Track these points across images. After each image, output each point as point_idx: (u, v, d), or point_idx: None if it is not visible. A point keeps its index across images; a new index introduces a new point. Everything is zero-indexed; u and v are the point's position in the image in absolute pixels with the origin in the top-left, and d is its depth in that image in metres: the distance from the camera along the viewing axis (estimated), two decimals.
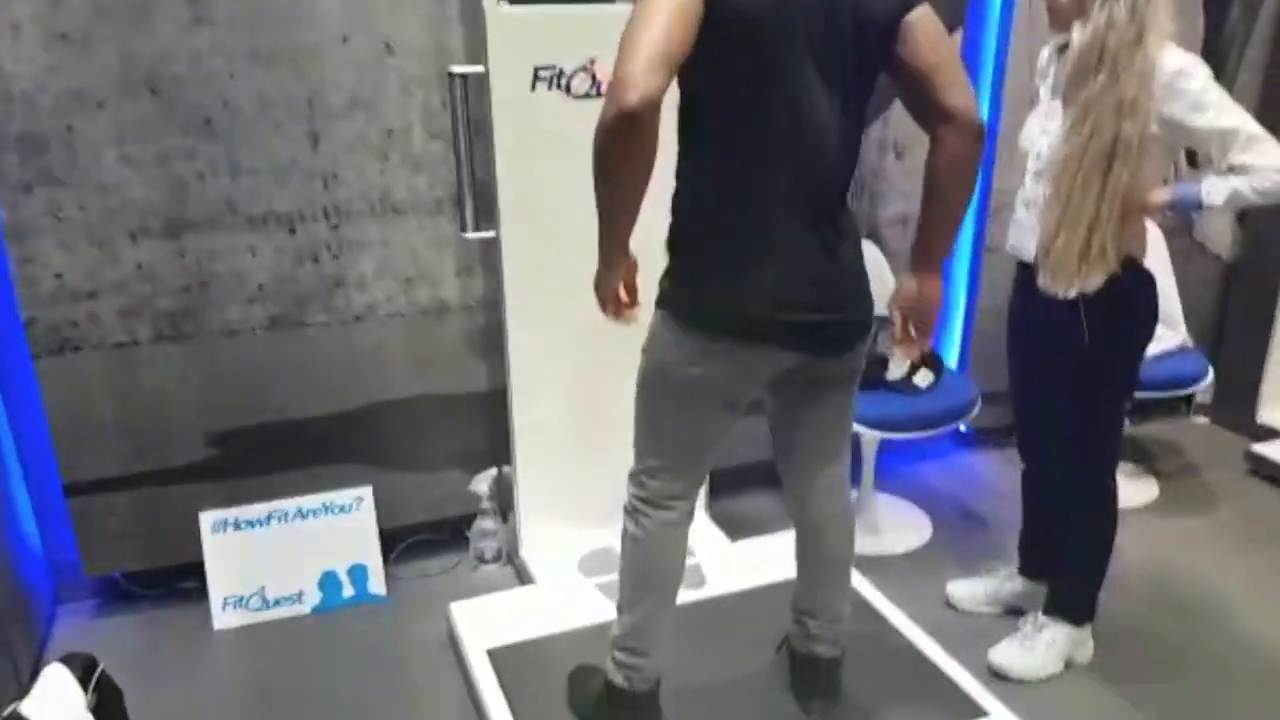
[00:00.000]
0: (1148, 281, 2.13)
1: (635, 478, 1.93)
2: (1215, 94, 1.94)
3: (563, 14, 2.30)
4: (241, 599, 2.62)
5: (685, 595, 2.41)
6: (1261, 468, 3.30)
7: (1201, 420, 3.74)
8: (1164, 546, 2.91)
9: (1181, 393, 3.13)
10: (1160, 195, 2.04)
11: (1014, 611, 2.53)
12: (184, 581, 2.67)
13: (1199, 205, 2.02)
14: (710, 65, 1.56)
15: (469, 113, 2.36)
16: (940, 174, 1.69)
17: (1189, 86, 1.93)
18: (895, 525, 3.03)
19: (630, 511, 1.94)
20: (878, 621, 2.43)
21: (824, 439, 1.96)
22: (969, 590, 2.62)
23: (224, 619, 2.60)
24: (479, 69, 2.32)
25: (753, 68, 1.58)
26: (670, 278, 1.77)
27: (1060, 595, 2.39)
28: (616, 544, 2.70)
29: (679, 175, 1.72)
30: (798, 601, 2.12)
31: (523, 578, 2.73)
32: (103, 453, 2.51)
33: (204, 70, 2.32)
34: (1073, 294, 2.04)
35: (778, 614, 2.27)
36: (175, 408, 2.54)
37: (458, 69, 2.33)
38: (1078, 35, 1.97)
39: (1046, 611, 2.39)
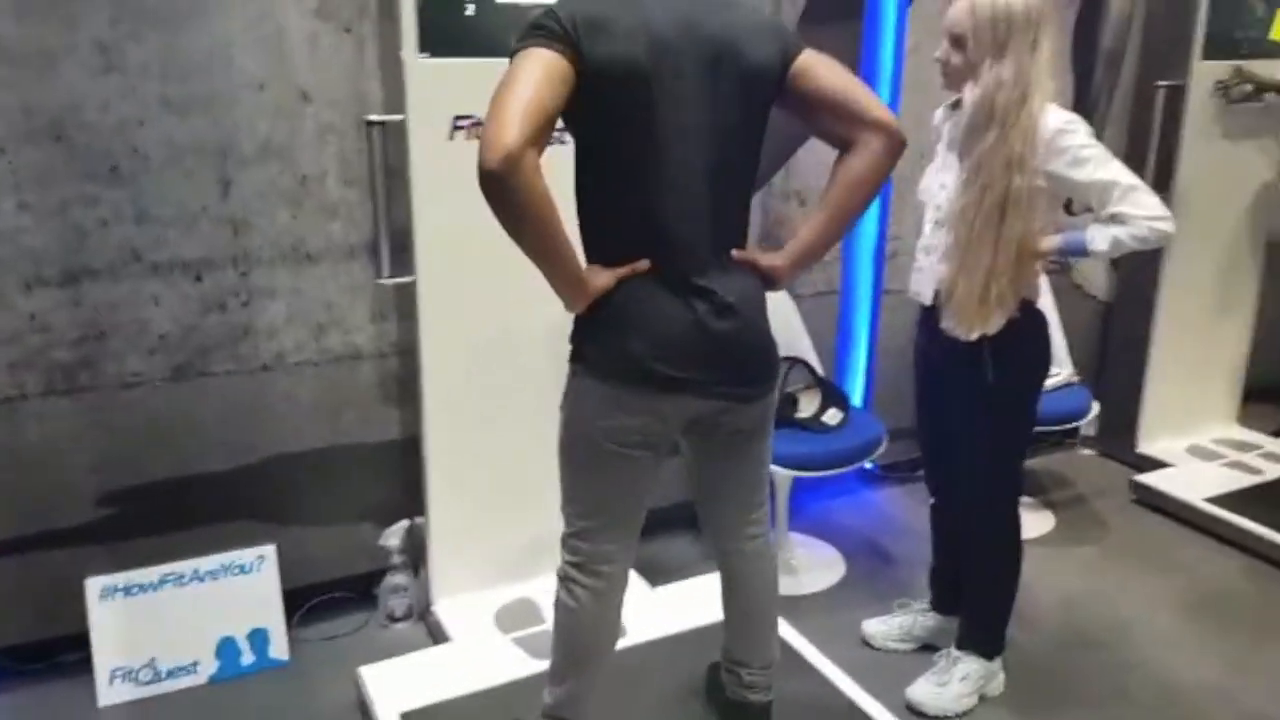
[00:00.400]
0: (1042, 321, 2.26)
1: (566, 542, 1.92)
2: (1094, 149, 2.10)
3: (480, 66, 2.31)
4: (130, 671, 2.47)
5: None
6: (1146, 496, 3.48)
7: (1087, 452, 3.93)
8: (1064, 576, 3.04)
9: (1070, 426, 3.31)
10: (1050, 242, 2.17)
11: (928, 647, 2.60)
12: (66, 654, 2.50)
13: (1084, 252, 2.17)
14: (589, 120, 1.63)
15: (386, 160, 2.36)
16: (855, 176, 1.76)
17: (1070, 143, 2.08)
18: (809, 564, 3.08)
19: (563, 579, 1.92)
20: (796, 661, 2.45)
21: (741, 486, 1.99)
22: (883, 628, 2.68)
23: (110, 694, 2.44)
24: (398, 117, 2.32)
25: (629, 120, 1.64)
26: (577, 331, 1.79)
27: (971, 629, 2.46)
28: (535, 597, 2.70)
29: (579, 224, 1.76)
30: (729, 651, 2.14)
31: (436, 636, 2.66)
32: None
33: (113, 117, 2.25)
34: (974, 336, 2.15)
35: (701, 660, 2.28)
36: (64, 466, 2.40)
37: (376, 117, 2.34)
38: (969, 95, 2.10)
39: (959, 646, 2.45)
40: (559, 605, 1.93)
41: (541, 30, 1.57)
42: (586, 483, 1.86)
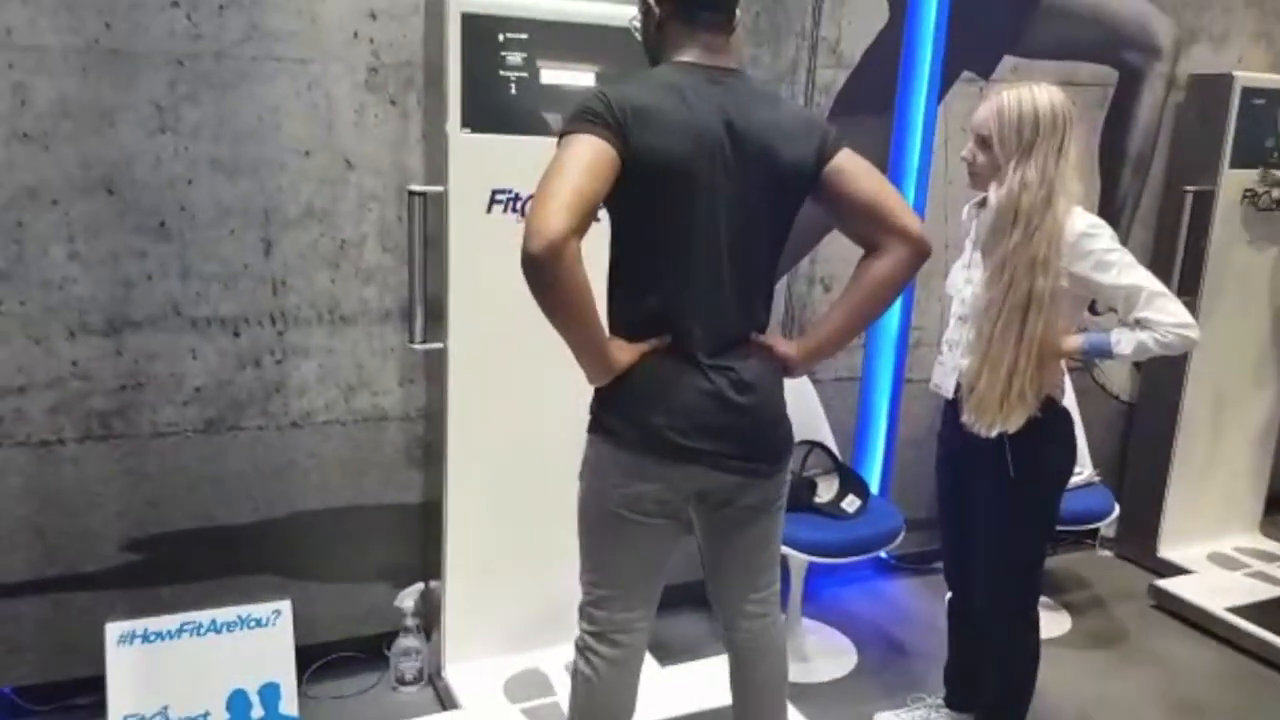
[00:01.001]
0: (1066, 420, 2.26)
1: (584, 611, 1.93)
2: (1118, 253, 2.11)
3: (520, 143, 2.41)
4: (142, 719, 2.47)
5: None
6: (1165, 602, 3.43)
7: (1106, 554, 3.88)
8: (1079, 681, 2.99)
9: (1090, 526, 3.28)
10: (1074, 342, 2.19)
11: None
12: (80, 697, 2.52)
13: (1109, 354, 2.17)
14: (625, 204, 1.68)
15: (425, 229, 2.42)
16: (877, 280, 1.80)
17: (1094, 247, 2.10)
18: (821, 652, 3.05)
19: (581, 648, 1.93)
20: None
21: (752, 564, 1.99)
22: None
23: None
24: (438, 189, 2.40)
25: (665, 208, 1.69)
26: (596, 401, 1.82)
27: None
28: (545, 668, 2.69)
29: (607, 295, 1.80)
30: None
31: (445, 701, 2.65)
32: (9, 556, 2.40)
33: (164, 175, 2.35)
34: (994, 433, 2.16)
35: None
36: (94, 510, 2.45)
37: (417, 187, 2.41)
38: (994, 195, 2.13)
39: None
40: (576, 674, 1.94)
41: (591, 116, 1.61)
42: (604, 551, 1.88)
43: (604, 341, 1.71)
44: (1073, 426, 2.29)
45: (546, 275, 1.54)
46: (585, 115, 1.62)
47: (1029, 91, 2.10)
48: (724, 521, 1.92)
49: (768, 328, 1.87)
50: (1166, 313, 2.09)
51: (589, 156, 1.58)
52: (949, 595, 2.55)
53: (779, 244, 1.83)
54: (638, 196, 1.67)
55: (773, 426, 1.86)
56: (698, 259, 1.72)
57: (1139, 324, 2.10)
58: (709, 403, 1.75)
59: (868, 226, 1.80)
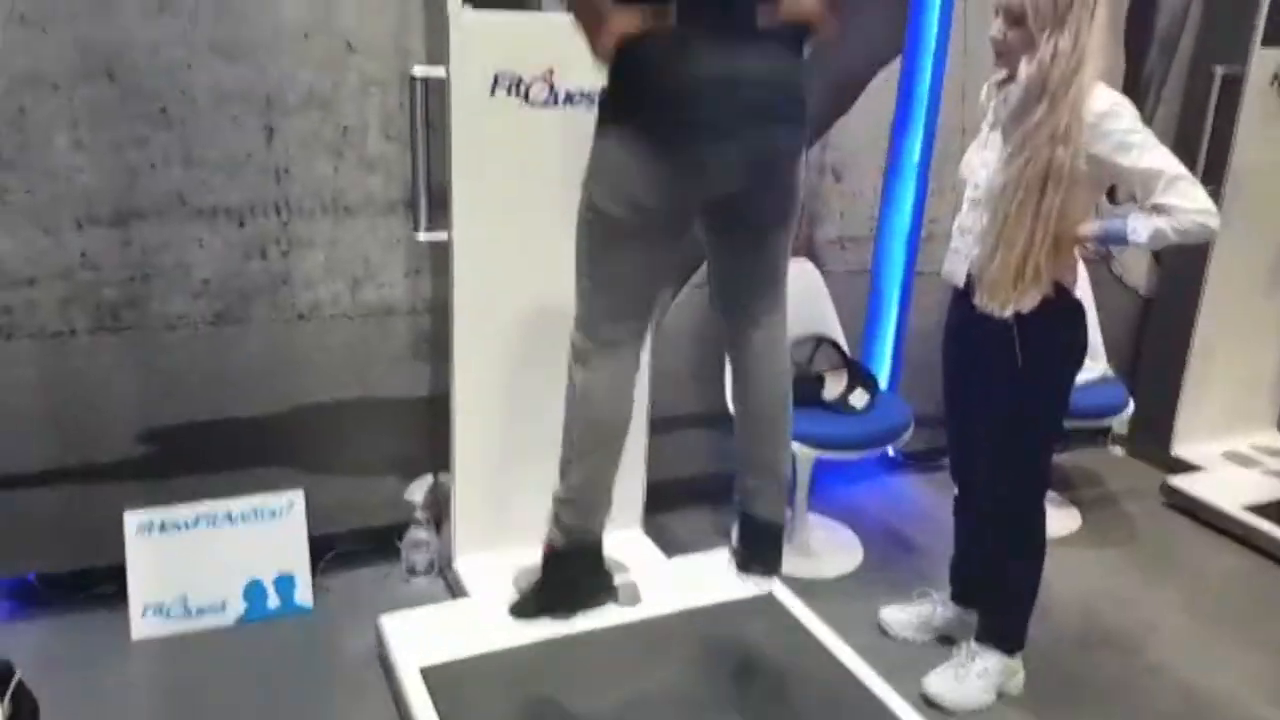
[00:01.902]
0: (1077, 310, 2.22)
1: (578, 322, 1.91)
2: (1141, 135, 2.04)
3: (524, 22, 2.35)
4: (162, 607, 2.54)
5: (620, 615, 2.42)
6: (1177, 500, 3.42)
7: (1117, 451, 3.87)
8: (1088, 577, 3.00)
9: (1103, 423, 3.26)
10: (1089, 228, 2.14)
11: (945, 639, 2.59)
12: (102, 586, 2.58)
13: (1124, 240, 2.11)
14: None
15: (427, 115, 2.39)
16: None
17: (1116, 126, 2.04)
18: (827, 548, 3.08)
19: (574, 358, 1.91)
20: (812, 643, 2.44)
21: (760, 281, 1.97)
22: (901, 616, 2.67)
23: (143, 628, 2.51)
24: (440, 72, 2.35)
25: None
26: (607, 91, 1.77)
27: (992, 624, 2.44)
28: None
29: None
30: (738, 455, 2.11)
31: (455, 591, 2.70)
32: (26, 446, 2.43)
33: (163, 59, 2.31)
34: (1008, 313, 2.12)
35: (715, 634, 2.27)
36: (107, 402, 2.48)
37: (420, 71, 2.36)
38: (1024, 69, 2.06)
39: (979, 640, 2.43)
40: (570, 387, 1.93)
41: None
42: (602, 260, 1.85)
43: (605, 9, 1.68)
44: (1084, 318, 2.24)
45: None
46: None
47: None
48: (734, 240, 1.90)
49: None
50: (1187, 198, 2.02)
51: None
52: (955, 492, 2.55)
53: None
54: None
55: (779, 117, 1.78)
56: None
57: (1157, 209, 2.04)
58: (721, 92, 1.69)
59: None
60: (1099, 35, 2.05)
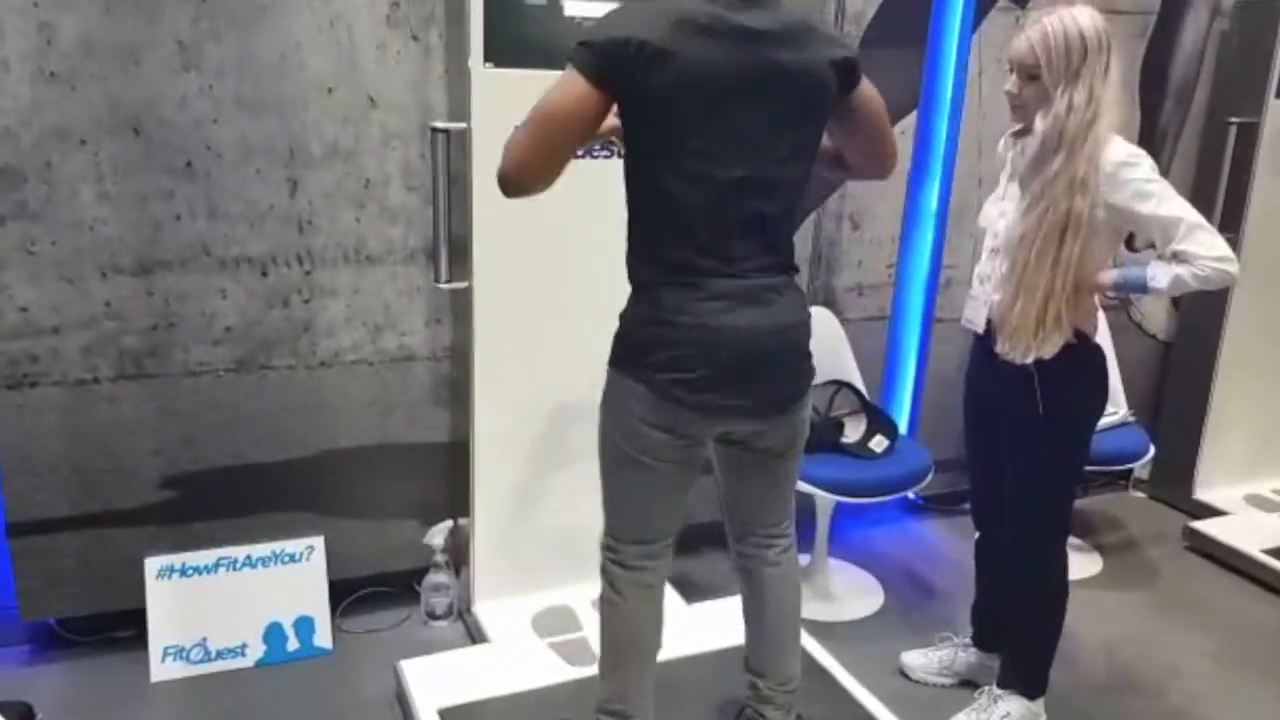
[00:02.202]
0: (1098, 356, 2.22)
1: (605, 540, 1.95)
2: (1159, 184, 2.05)
3: (543, 77, 2.36)
4: (182, 650, 2.55)
5: None
6: (1199, 544, 3.40)
7: (1140, 495, 3.85)
8: (1111, 621, 2.98)
9: (1125, 467, 3.24)
10: (1109, 275, 2.14)
11: (967, 683, 2.57)
12: (122, 629, 2.60)
13: (1144, 288, 2.11)
14: (643, 136, 1.68)
15: (449, 167, 2.41)
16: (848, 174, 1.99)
17: (1133, 176, 2.05)
18: (847, 591, 3.06)
19: (604, 574, 1.96)
20: (833, 688, 2.43)
21: (768, 499, 2.01)
22: (922, 660, 2.65)
23: (162, 670, 2.53)
24: (462, 125, 2.38)
25: (685, 139, 1.66)
26: (619, 334, 1.82)
27: (1014, 667, 2.42)
28: (573, 604, 2.72)
29: (628, 231, 1.79)
30: (748, 661, 2.13)
31: (475, 636, 2.69)
32: (52, 491, 2.46)
33: (189, 114, 2.35)
34: (1030, 359, 2.13)
35: (734, 679, 2.27)
36: (130, 448, 2.50)
37: (441, 125, 2.40)
38: (1040, 123, 2.07)
39: (1001, 684, 2.41)
40: (603, 600, 1.97)
41: (594, 50, 1.60)
42: (622, 485, 1.89)
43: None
44: (1105, 364, 2.24)
45: (521, 195, 1.69)
46: (588, 49, 1.61)
47: (1070, 15, 2.04)
48: (743, 461, 1.94)
49: (794, 260, 1.84)
50: (1205, 245, 2.02)
51: (573, 108, 1.61)
52: (976, 535, 2.54)
53: (802, 175, 1.80)
54: (654, 129, 1.65)
55: (796, 369, 1.85)
56: (717, 191, 1.69)
57: (1176, 257, 2.04)
58: (732, 346, 1.73)
59: (860, 153, 1.89)
60: (1114, 89, 2.06)
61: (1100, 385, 2.25)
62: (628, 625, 1.96)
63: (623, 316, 1.81)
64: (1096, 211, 2.06)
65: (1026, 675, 2.40)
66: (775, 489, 2.00)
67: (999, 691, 2.41)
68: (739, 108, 1.66)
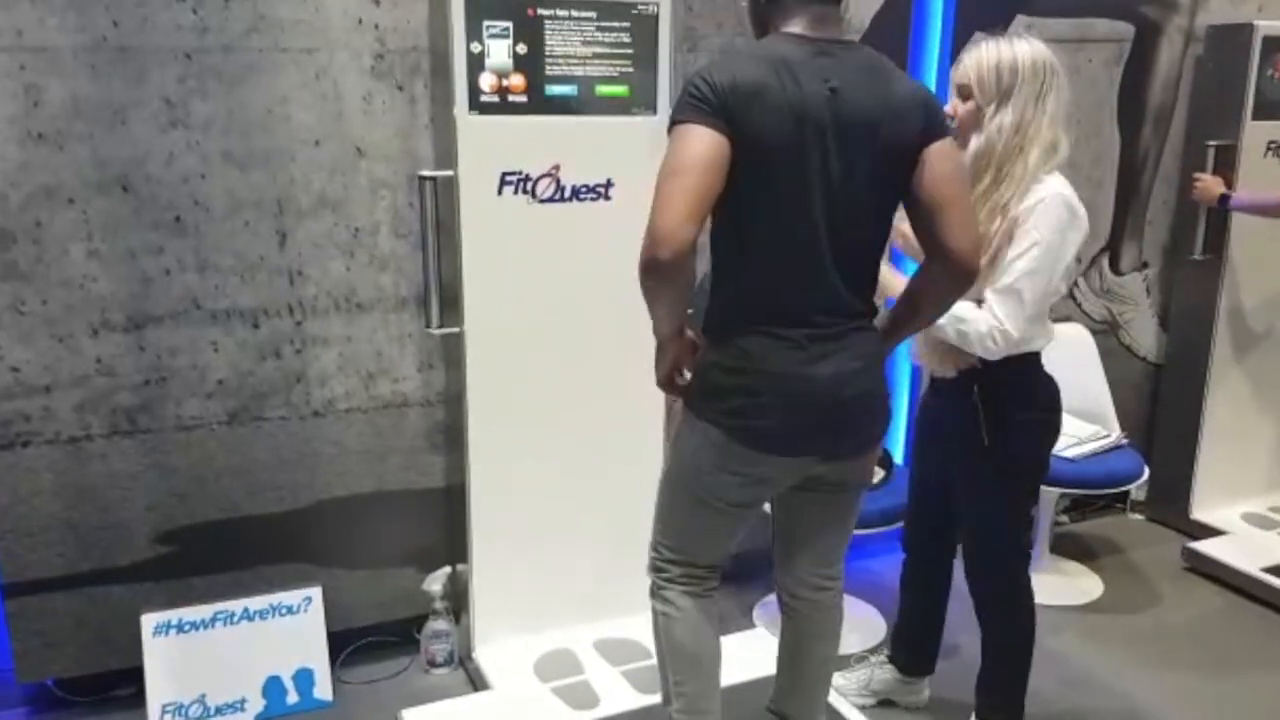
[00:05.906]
0: (1047, 383, 2.19)
1: (655, 563, 1.95)
2: (1045, 242, 2.02)
3: (528, 123, 2.40)
4: (181, 706, 2.52)
5: (646, 698, 2.39)
6: (1198, 564, 3.39)
7: (1137, 518, 3.84)
8: (1112, 644, 2.96)
9: (1119, 490, 3.24)
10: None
11: (886, 703, 2.59)
12: (120, 688, 2.58)
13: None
14: (730, 183, 1.64)
15: (437, 214, 2.43)
16: (921, 295, 1.83)
17: (1039, 219, 2.03)
18: (848, 623, 2.97)
19: (656, 593, 1.96)
20: (834, 715, 2.40)
21: (826, 538, 2.00)
22: (842, 682, 2.62)
23: None
24: (448, 173, 2.40)
25: (771, 186, 1.66)
26: (697, 379, 1.81)
27: (990, 698, 2.38)
28: (574, 647, 2.70)
29: (713, 278, 1.80)
30: (776, 703, 2.12)
31: (476, 683, 2.67)
32: (46, 551, 2.44)
33: (177, 170, 2.36)
34: (951, 374, 2.14)
35: (744, 714, 2.25)
36: (124, 504, 2.49)
37: (428, 173, 2.42)
38: (973, 143, 2.10)
39: (979, 717, 2.39)
40: (657, 618, 1.96)
41: (701, 102, 1.59)
42: (683, 522, 1.91)
43: (683, 319, 1.76)
44: (1053, 389, 2.20)
45: (668, 275, 1.58)
46: (694, 103, 1.60)
47: (1008, 42, 2.07)
48: (808, 498, 1.93)
49: (872, 303, 1.84)
50: (999, 312, 2.02)
51: (705, 152, 1.58)
52: (904, 558, 2.55)
53: (885, 222, 1.80)
54: (743, 177, 1.63)
55: (874, 411, 1.84)
56: (801, 239, 1.69)
57: (979, 302, 2.05)
58: (813, 394, 1.73)
59: (921, 226, 1.76)
60: (1052, 121, 2.07)
61: (1047, 410, 2.21)
62: (688, 632, 1.94)
63: (700, 363, 1.81)
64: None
65: (1001, 703, 2.37)
66: (838, 523, 1.99)
67: None
68: (827, 155, 1.66)
